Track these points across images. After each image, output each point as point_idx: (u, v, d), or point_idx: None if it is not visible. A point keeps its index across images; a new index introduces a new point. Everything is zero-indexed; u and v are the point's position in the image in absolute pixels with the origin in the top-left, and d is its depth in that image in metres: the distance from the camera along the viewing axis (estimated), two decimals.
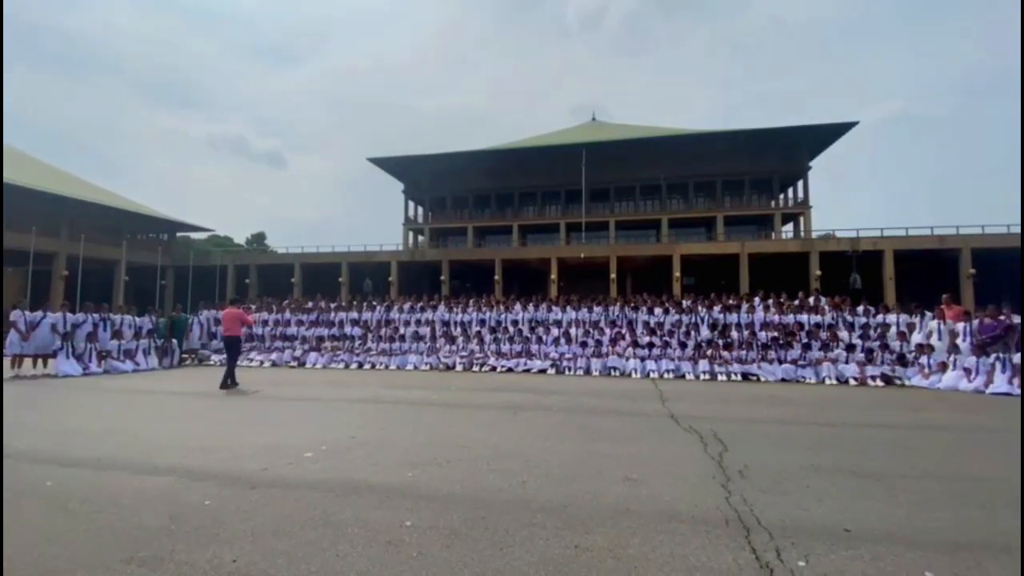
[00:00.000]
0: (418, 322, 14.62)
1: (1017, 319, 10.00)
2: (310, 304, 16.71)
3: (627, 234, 43.91)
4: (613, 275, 32.46)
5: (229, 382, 8.55)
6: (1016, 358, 9.18)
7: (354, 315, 15.34)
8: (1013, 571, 2.19)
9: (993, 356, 9.45)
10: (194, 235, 55.20)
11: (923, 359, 10.55)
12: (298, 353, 13.86)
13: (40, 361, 11.30)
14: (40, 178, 33.47)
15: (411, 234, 50.22)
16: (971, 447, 4.91)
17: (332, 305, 16.43)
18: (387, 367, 12.92)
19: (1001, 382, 9.02)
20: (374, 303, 16.22)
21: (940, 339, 10.77)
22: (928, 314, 11.71)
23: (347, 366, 13.14)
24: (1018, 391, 8.73)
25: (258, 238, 68.75)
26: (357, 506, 2.97)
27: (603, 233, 43.36)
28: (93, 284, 32.04)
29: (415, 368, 12.75)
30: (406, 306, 15.56)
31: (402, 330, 14.33)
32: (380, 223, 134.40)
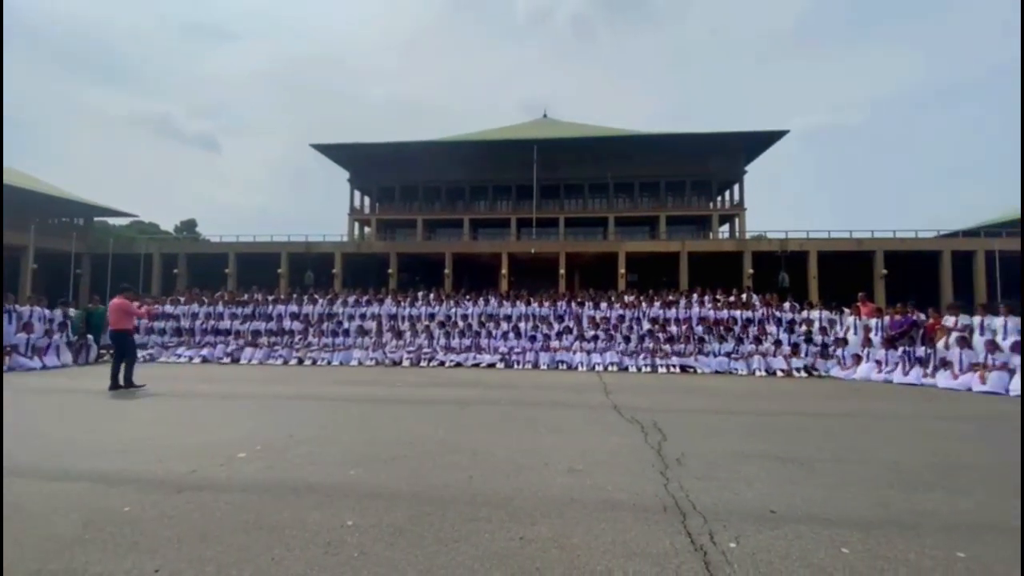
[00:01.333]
0: (363, 316, 14.23)
1: (921, 316, 11.06)
2: (245, 297, 15.85)
3: (576, 231, 44.70)
4: (562, 271, 32.97)
5: (122, 383, 7.55)
6: (920, 351, 10.16)
7: (294, 308, 14.70)
8: (919, 547, 2.41)
9: (901, 349, 10.42)
10: (115, 221, 50.94)
11: (841, 352, 11.47)
12: (231, 348, 13.12)
13: None
14: None
15: (357, 225, 48.67)
16: (882, 433, 5.37)
17: (270, 298, 15.66)
18: (329, 363, 12.48)
19: (913, 374, 9.96)
20: (316, 296, 15.61)
21: (855, 334, 11.75)
22: (846, 311, 12.74)
23: (286, 362, 12.59)
24: (922, 381, 9.67)
25: (188, 225, 64.33)
26: (295, 507, 2.84)
27: (553, 229, 43.91)
28: None
29: (359, 364, 12.41)
30: (350, 299, 15.09)
31: (346, 324, 13.90)
32: (323, 213, 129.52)
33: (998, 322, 9.59)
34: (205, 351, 13.12)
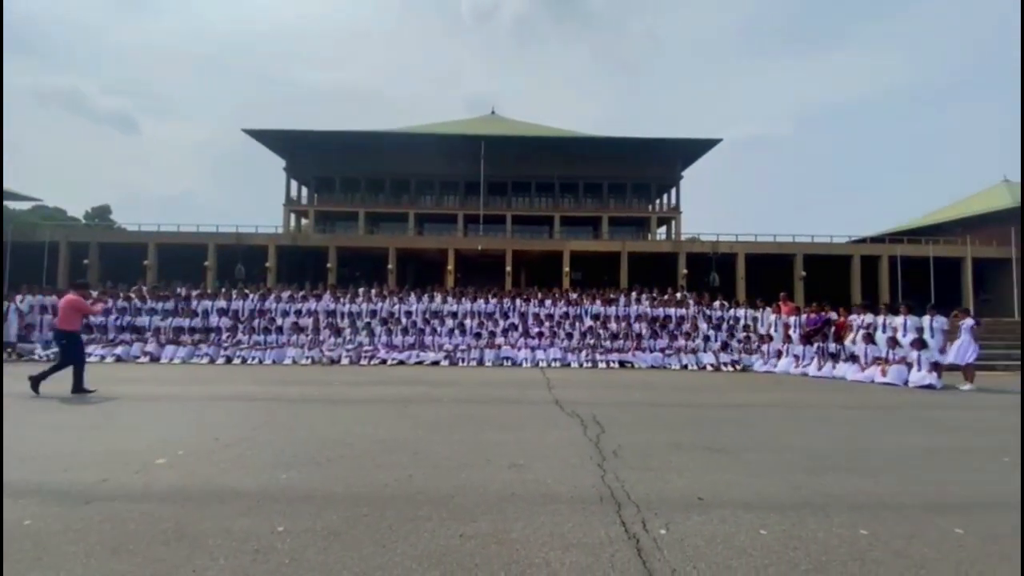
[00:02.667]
0: (298, 312, 13.63)
1: (833, 315, 12.07)
2: (169, 291, 14.74)
3: (522, 229, 45.04)
4: (509, 268, 33.14)
5: (82, 387, 6.85)
6: (832, 346, 11.10)
7: (222, 304, 13.85)
8: (827, 526, 2.63)
9: (815, 345, 11.33)
10: (14, 205, 45.69)
11: (764, 347, 12.31)
12: (151, 347, 12.17)
13: None
14: None
15: (293, 216, 46.50)
16: (798, 421, 5.82)
17: (195, 292, 14.65)
18: (261, 362, 11.87)
19: (825, 368, 10.85)
20: (246, 291, 14.78)
21: (776, 331, 12.66)
22: (768, 309, 13.69)
23: (212, 361, 11.84)
24: (833, 374, 10.56)
25: (101, 212, 58.77)
26: (220, 515, 2.68)
27: (500, 226, 43.99)
28: None
29: (294, 363, 11.89)
30: (284, 295, 14.42)
31: (279, 321, 13.26)
32: (256, 203, 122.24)
33: (898, 321, 10.63)
34: (119, 350, 12.08)
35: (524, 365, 12.00)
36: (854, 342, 10.89)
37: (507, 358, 12.32)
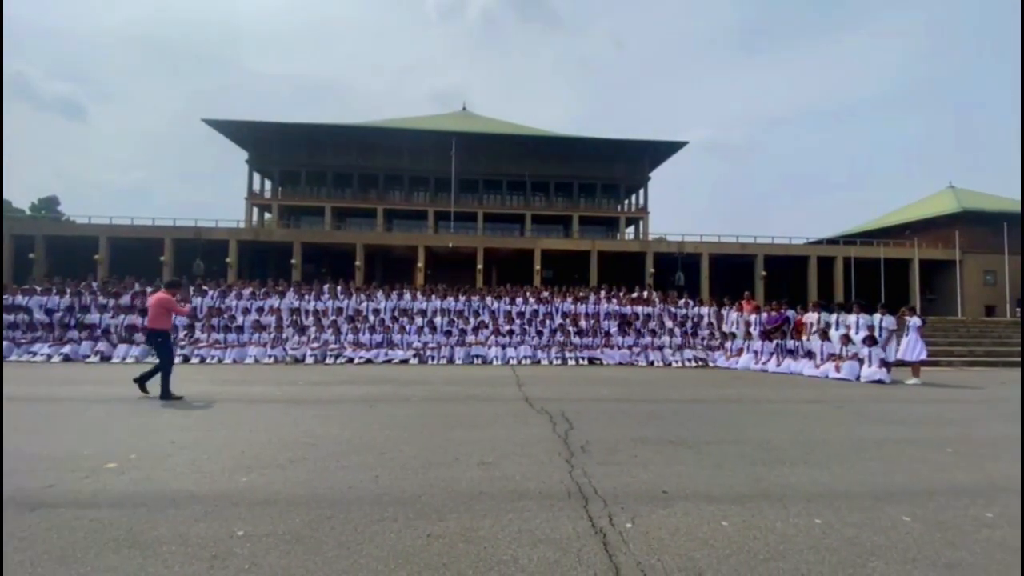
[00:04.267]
0: (260, 310, 13.23)
1: (791, 312, 12.54)
2: (122, 286, 14.05)
3: (494, 226, 45.01)
4: (480, 265, 33.07)
5: (171, 392, 6.46)
6: (790, 343, 11.53)
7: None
8: (784, 516, 2.73)
9: (775, 342, 11.75)
10: None
11: (727, 344, 12.69)
12: (101, 346, 11.58)
13: None
14: None
15: (256, 210, 45.08)
16: (757, 415, 6.03)
17: (148, 289, 14.01)
18: (220, 361, 11.47)
19: (784, 364, 11.25)
20: (205, 287, 14.24)
21: (738, 328, 13.07)
22: (731, 307, 14.11)
23: None
24: (791, 370, 10.97)
25: (48, 203, 55.52)
26: (175, 520, 2.57)
27: (471, 224, 43.82)
28: None
29: (256, 361, 11.54)
30: (246, 292, 13.97)
31: (240, 319, 12.83)
32: (216, 196, 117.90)
33: (851, 319, 11.13)
34: (67, 348, 11.45)
35: (495, 363, 12.00)
36: (810, 339, 11.34)
37: (478, 356, 12.29)
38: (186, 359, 11.43)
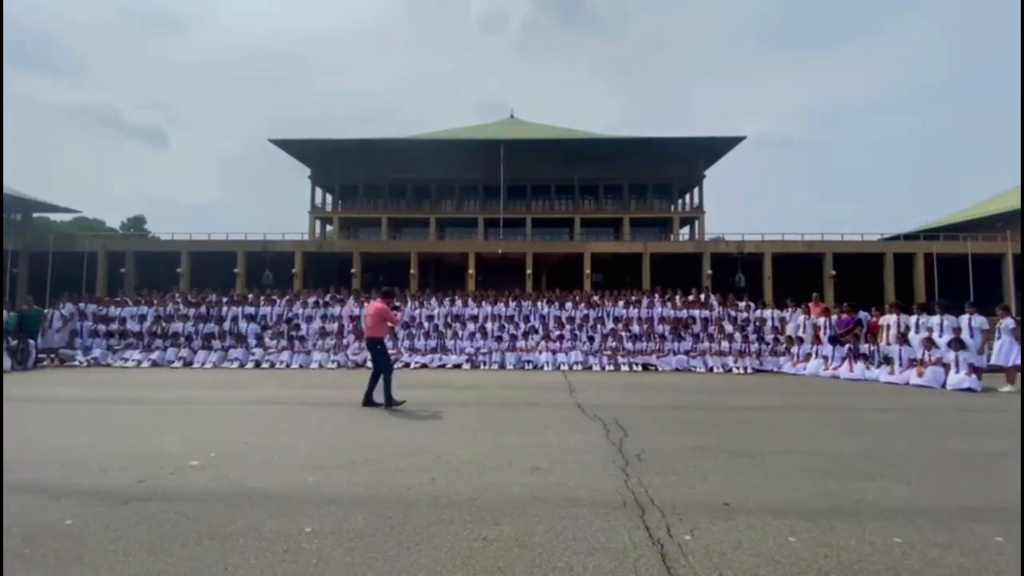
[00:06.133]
0: (324, 317, 13.88)
1: (864, 314, 11.71)
2: (200, 297, 15.21)
3: (542, 231, 45.04)
4: (529, 271, 33.16)
5: (373, 399, 6.49)
6: (864, 347, 10.76)
7: (250, 310, 14.20)
8: (859, 533, 2.55)
9: (847, 347, 10.99)
10: (55, 217, 47.89)
11: (793, 349, 12.01)
12: (184, 352, 12.57)
13: None
14: None
15: (318, 223, 47.49)
16: (828, 425, 5.66)
17: (224, 299, 15.07)
18: (288, 366, 12.13)
19: (857, 369, 10.52)
20: (274, 297, 15.13)
21: (805, 332, 12.33)
22: (796, 310, 13.35)
23: (242, 366, 12.16)
24: (865, 376, 10.23)
25: (136, 222, 61.11)
26: (250, 516, 2.75)
27: (520, 229, 44.09)
28: None
29: (320, 367, 12.11)
30: (311, 300, 14.71)
31: (305, 326, 13.53)
32: (282, 211, 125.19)
33: (934, 320, 10.24)
34: (155, 355, 12.52)
35: (545, 368, 11.97)
36: (888, 343, 10.53)
37: (528, 361, 12.32)
38: (257, 364, 12.19)
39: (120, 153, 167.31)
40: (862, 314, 11.73)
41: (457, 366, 12.15)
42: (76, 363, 12.25)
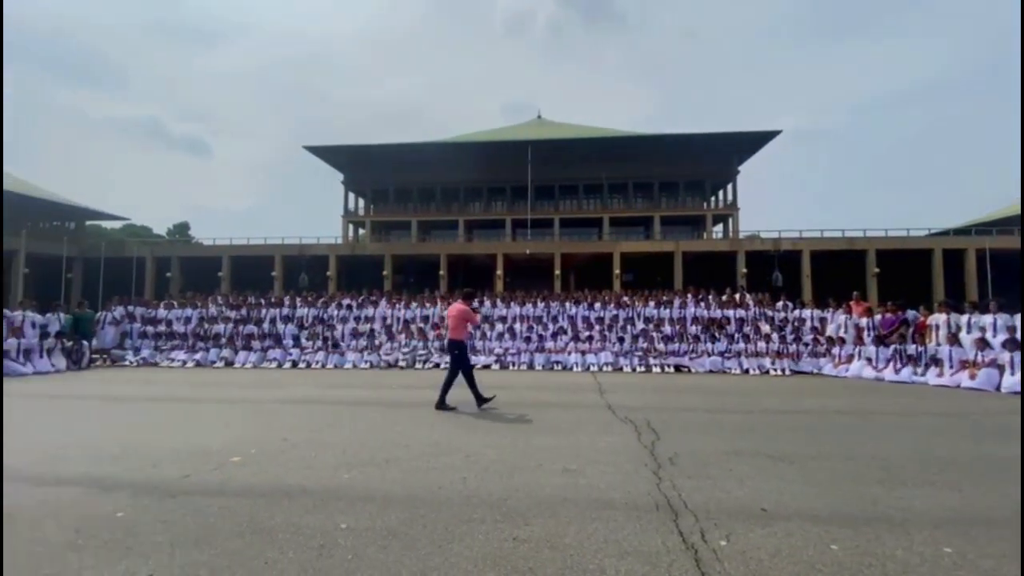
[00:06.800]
0: (357, 319, 14.19)
1: (911, 313, 11.17)
2: (240, 300, 15.78)
3: (571, 231, 44.80)
4: (558, 271, 33.03)
5: (481, 398, 6.42)
6: (911, 348, 10.26)
7: (287, 311, 14.64)
8: (907, 543, 2.44)
9: (892, 347, 10.50)
10: (106, 224, 50.58)
11: (835, 350, 11.55)
12: (225, 352, 13.06)
13: None
14: None
15: (351, 227, 48.59)
16: (871, 430, 5.43)
17: (262, 301, 15.59)
18: (323, 366, 12.45)
19: (904, 372, 10.05)
20: (309, 299, 15.56)
21: (847, 332, 11.84)
22: (839, 310, 12.83)
23: (280, 366, 12.54)
24: (913, 379, 9.76)
25: (181, 228, 63.90)
26: (288, 511, 2.84)
27: (548, 230, 43.99)
28: None
29: (354, 367, 12.38)
30: (344, 302, 15.05)
31: (339, 327, 13.85)
32: (317, 215, 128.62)
33: (987, 319, 9.69)
34: (199, 355, 13.05)
35: (574, 369, 11.89)
36: (937, 344, 10.01)
37: (557, 362, 12.26)
38: (294, 364, 12.56)
39: (165, 163, 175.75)
40: (909, 313, 11.19)
41: (486, 367, 12.20)
42: (126, 363, 12.89)
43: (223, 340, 13.62)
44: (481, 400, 6.40)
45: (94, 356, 12.66)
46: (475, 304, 8.12)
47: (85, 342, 12.29)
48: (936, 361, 9.70)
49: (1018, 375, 8.25)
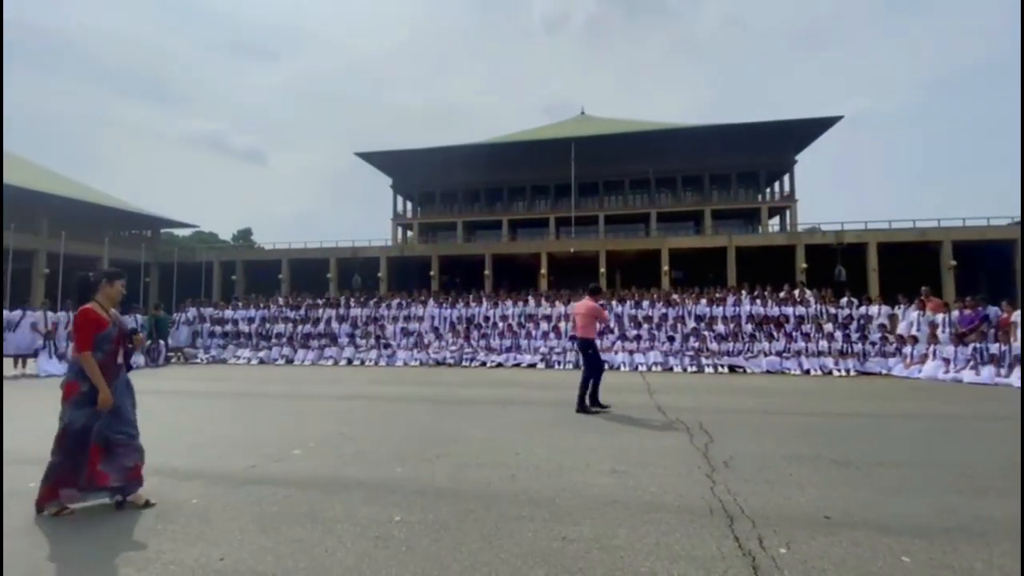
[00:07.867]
0: (407, 318, 14.57)
1: (993, 309, 10.24)
2: (298, 301, 16.57)
3: (616, 228, 44.03)
4: (603, 269, 32.57)
5: (588, 403, 6.04)
6: (993, 347, 9.42)
7: (342, 312, 15.24)
8: (986, 555, 2.26)
9: (971, 346, 9.68)
10: (178, 231, 54.39)
11: (906, 349, 10.77)
12: (286, 351, 13.77)
13: (20, 361, 11.07)
14: (17, 173, 32.70)
15: (400, 229, 49.92)
16: (948, 434, 5.04)
17: (319, 302, 16.30)
18: (376, 364, 12.88)
19: (985, 373, 9.24)
20: (362, 299, 16.13)
21: (919, 330, 11.00)
22: (907, 306, 11.94)
23: (336, 363, 13.09)
24: (996, 381, 8.95)
25: (244, 234, 67.76)
26: (346, 502, 2.97)
27: (592, 227, 43.45)
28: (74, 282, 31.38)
29: (404, 364, 12.73)
30: (395, 302, 15.50)
31: (390, 327, 14.28)
32: (367, 218, 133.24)
33: None
34: (263, 353, 13.83)
35: (622, 369, 11.70)
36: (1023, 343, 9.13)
37: (603, 361, 12.10)
38: (349, 362, 13.07)
39: (228, 172, 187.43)
40: (990, 309, 10.26)
41: (532, 365, 12.22)
42: (198, 360, 13.85)
43: (284, 339, 14.36)
44: (597, 404, 6.05)
45: (170, 355, 13.66)
46: (602, 301, 7.46)
47: (162, 342, 13.28)
48: (1021, 361, 8.85)
49: None
